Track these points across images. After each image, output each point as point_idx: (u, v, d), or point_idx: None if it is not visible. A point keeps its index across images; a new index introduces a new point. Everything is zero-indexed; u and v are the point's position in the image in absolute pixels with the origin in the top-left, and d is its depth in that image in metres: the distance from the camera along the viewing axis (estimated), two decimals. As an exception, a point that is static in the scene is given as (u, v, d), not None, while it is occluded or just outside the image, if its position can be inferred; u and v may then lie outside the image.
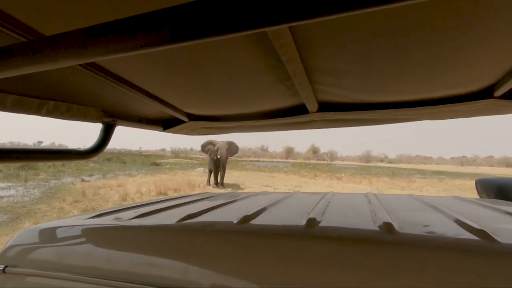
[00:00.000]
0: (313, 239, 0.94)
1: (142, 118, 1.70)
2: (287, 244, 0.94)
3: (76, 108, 1.25)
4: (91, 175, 17.26)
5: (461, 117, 1.57)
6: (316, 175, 22.22)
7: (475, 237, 0.88)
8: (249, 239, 0.99)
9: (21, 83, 1.01)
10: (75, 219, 1.35)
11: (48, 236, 1.23)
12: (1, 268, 1.13)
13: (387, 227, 0.98)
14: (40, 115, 1.13)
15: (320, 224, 1.07)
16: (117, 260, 1.04)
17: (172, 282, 0.93)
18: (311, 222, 1.08)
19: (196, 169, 22.17)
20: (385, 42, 0.80)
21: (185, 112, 1.67)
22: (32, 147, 1.28)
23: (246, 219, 1.16)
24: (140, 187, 12.82)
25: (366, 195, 1.88)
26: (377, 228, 1.00)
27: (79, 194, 10.83)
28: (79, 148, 1.41)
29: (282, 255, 0.91)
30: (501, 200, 1.82)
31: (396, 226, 0.99)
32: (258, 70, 1.02)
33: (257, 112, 1.63)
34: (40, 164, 19.16)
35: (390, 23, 0.71)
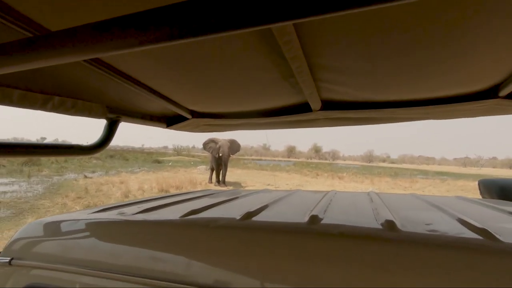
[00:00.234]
0: (315, 236, 0.94)
1: (146, 114, 1.71)
2: (289, 240, 0.94)
3: (81, 103, 1.26)
4: (93, 172, 17.34)
5: (466, 117, 1.56)
6: (318, 174, 22.18)
7: (478, 236, 0.88)
8: (252, 235, 0.99)
9: (27, 78, 1.02)
10: (80, 213, 1.36)
11: (53, 229, 1.24)
12: (7, 260, 1.15)
13: (389, 225, 0.98)
14: (45, 110, 1.14)
15: (322, 221, 1.07)
16: (121, 254, 1.05)
17: (175, 276, 0.94)
18: (314, 219, 1.08)
19: (198, 167, 22.21)
20: (390, 40, 0.80)
21: (188, 109, 1.68)
22: (36, 142, 1.30)
23: (249, 215, 1.17)
24: (142, 184, 12.87)
25: (368, 193, 1.88)
26: (379, 226, 1.00)
27: (82, 190, 10.89)
28: (83, 144, 1.42)
29: (284, 251, 0.91)
30: (504, 201, 1.82)
31: (399, 224, 1.00)
32: (262, 67, 1.02)
33: (260, 109, 1.63)
34: (43, 160, 19.27)
35: (395, 21, 0.71)
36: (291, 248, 0.91)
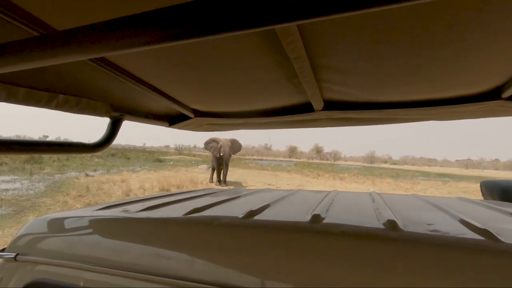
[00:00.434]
0: (317, 235, 0.95)
1: (149, 113, 1.71)
2: (291, 239, 0.95)
3: (85, 102, 1.27)
4: (95, 170, 17.38)
5: (468, 118, 1.56)
6: (319, 175, 22.16)
7: (479, 237, 0.88)
8: (254, 233, 1.00)
9: (32, 76, 1.02)
10: (83, 210, 1.37)
11: (58, 226, 1.25)
12: (13, 256, 1.17)
13: (391, 224, 0.99)
14: (50, 108, 1.15)
15: (324, 221, 1.07)
16: (125, 251, 1.06)
17: (178, 273, 0.95)
18: (316, 218, 1.09)
19: (199, 166, 22.24)
20: (393, 41, 0.80)
21: (191, 108, 1.68)
22: (39, 139, 1.31)
23: (251, 214, 1.17)
24: (143, 183, 12.90)
25: (370, 194, 1.88)
26: (381, 226, 1.00)
27: (83, 188, 10.92)
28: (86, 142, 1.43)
29: (286, 250, 0.92)
30: (506, 202, 1.82)
31: (400, 224, 1.00)
32: (265, 67, 1.03)
33: (262, 109, 1.64)
34: (45, 158, 19.33)
35: (398, 22, 0.71)
36: (293, 247, 0.92)
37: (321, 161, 59.60)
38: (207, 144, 13.86)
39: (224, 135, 16.84)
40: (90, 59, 0.93)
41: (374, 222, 1.06)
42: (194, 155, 43.83)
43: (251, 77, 1.14)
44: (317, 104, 1.39)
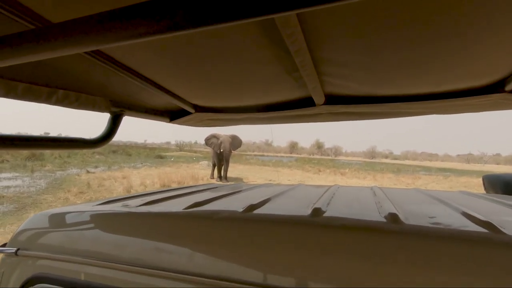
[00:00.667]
0: (318, 228, 0.95)
1: (149, 109, 1.71)
2: (292, 232, 0.94)
3: (84, 97, 1.26)
4: (96, 167, 17.42)
5: (471, 112, 1.55)
6: (320, 170, 22.18)
7: (482, 229, 0.88)
8: (254, 227, 1.00)
9: (32, 71, 1.02)
10: (84, 205, 1.37)
11: (59, 221, 1.26)
12: (14, 250, 1.17)
13: (393, 217, 0.98)
14: (50, 104, 1.15)
15: (325, 214, 1.07)
16: (125, 245, 1.06)
17: (178, 266, 0.95)
18: (316, 211, 1.09)
19: (200, 162, 22.26)
20: (395, 34, 0.79)
21: (191, 104, 1.67)
22: (40, 135, 1.31)
23: (252, 208, 1.17)
24: (144, 179, 12.93)
25: (371, 188, 1.88)
26: (382, 219, 1.00)
27: (84, 185, 10.95)
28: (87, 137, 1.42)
29: (287, 243, 0.91)
30: (508, 196, 1.81)
31: (402, 217, 1.00)
32: (266, 61, 1.02)
33: (263, 104, 1.63)
34: (47, 155, 19.38)
35: (400, 14, 0.70)
36: (293, 240, 0.92)
37: (322, 157, 59.64)
38: (207, 140, 13.85)
39: (225, 131, 16.83)
40: (89, 54, 0.92)
41: (375, 215, 1.05)
42: (195, 152, 43.89)
43: (251, 72, 1.13)
44: (318, 98, 1.38)
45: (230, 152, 13.70)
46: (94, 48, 0.51)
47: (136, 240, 1.06)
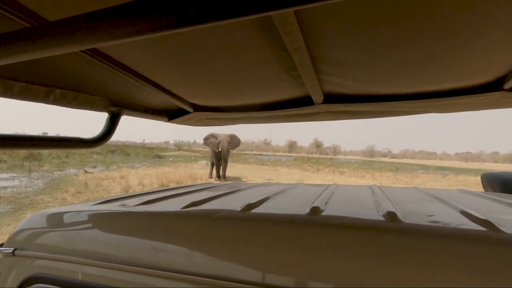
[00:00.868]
0: (316, 227, 0.94)
1: (147, 108, 1.70)
2: (290, 230, 0.94)
3: (82, 96, 1.26)
4: (94, 167, 17.36)
5: (469, 110, 1.55)
6: (318, 169, 22.21)
7: (481, 227, 0.88)
8: (253, 226, 1.00)
9: (29, 70, 1.01)
10: (82, 205, 1.37)
11: (56, 220, 1.25)
12: (11, 250, 1.17)
13: (391, 216, 0.98)
14: (47, 103, 1.14)
15: (323, 213, 1.07)
16: (123, 244, 1.06)
17: (176, 266, 0.95)
18: (315, 210, 1.08)
19: (199, 162, 22.26)
20: (393, 32, 0.79)
21: (190, 103, 1.67)
22: (38, 134, 1.31)
23: (250, 207, 1.17)
24: (142, 179, 12.92)
25: (370, 187, 1.88)
26: (380, 217, 1.00)
27: (82, 185, 10.93)
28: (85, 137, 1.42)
29: (285, 242, 0.91)
30: (507, 194, 1.81)
31: (400, 215, 1.00)
32: (264, 60, 1.02)
33: (262, 103, 1.63)
34: (45, 155, 19.31)
35: (398, 12, 0.70)
36: (292, 239, 0.91)
37: (321, 156, 59.74)
38: (206, 139, 13.85)
39: (223, 130, 16.83)
40: (87, 53, 0.91)
41: (374, 214, 1.05)
42: (194, 151, 43.86)
43: (250, 70, 1.13)
44: (317, 97, 1.38)
45: (228, 151, 13.70)
46: (91, 46, 0.51)
47: (134, 240, 1.06)
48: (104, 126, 1.46)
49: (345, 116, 1.74)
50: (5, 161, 16.39)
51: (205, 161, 21.07)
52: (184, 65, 1.09)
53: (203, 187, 1.94)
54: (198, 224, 1.05)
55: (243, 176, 15.73)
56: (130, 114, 1.59)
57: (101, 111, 1.38)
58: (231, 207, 1.19)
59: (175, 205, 1.26)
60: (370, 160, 50.24)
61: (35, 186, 10.63)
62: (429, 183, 16.41)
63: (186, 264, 0.95)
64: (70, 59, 0.99)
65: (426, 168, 30.47)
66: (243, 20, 0.42)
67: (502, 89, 1.16)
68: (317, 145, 76.93)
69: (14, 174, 12.99)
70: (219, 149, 13.29)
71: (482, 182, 2.26)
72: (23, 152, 17.41)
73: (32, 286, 1.11)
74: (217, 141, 13.32)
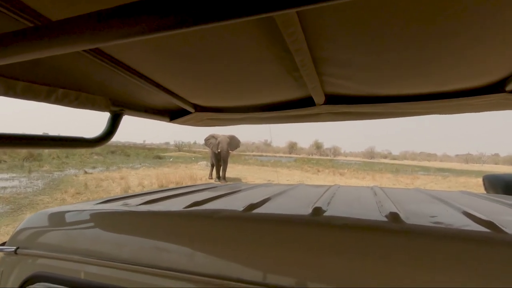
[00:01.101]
0: (318, 227, 0.94)
1: (149, 108, 1.70)
2: (292, 231, 0.94)
3: (84, 96, 1.26)
4: (94, 168, 17.34)
5: (471, 112, 1.55)
6: (319, 171, 22.18)
7: (484, 228, 0.88)
8: (254, 226, 1.00)
9: (31, 70, 1.01)
10: (84, 204, 1.37)
11: (58, 219, 1.25)
12: (13, 249, 1.17)
13: (394, 217, 0.98)
14: (49, 103, 1.14)
15: (325, 213, 1.07)
16: (125, 244, 1.06)
17: (178, 265, 0.95)
18: (317, 210, 1.08)
19: (199, 163, 22.24)
20: (395, 34, 0.79)
21: (191, 103, 1.67)
22: (39, 134, 1.31)
23: (252, 207, 1.17)
24: (142, 180, 12.92)
25: (372, 188, 1.88)
26: (383, 218, 0.99)
27: (82, 186, 10.91)
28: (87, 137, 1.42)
29: (287, 242, 0.91)
30: (509, 196, 1.81)
31: (403, 216, 0.99)
32: (266, 60, 1.02)
33: (263, 104, 1.63)
34: (45, 155, 19.31)
35: (401, 14, 0.70)
36: (294, 239, 0.91)
37: (321, 157, 59.68)
38: (207, 140, 13.86)
39: (223, 131, 16.82)
40: (89, 53, 0.91)
41: (376, 215, 1.05)
42: (194, 152, 43.83)
43: (252, 71, 1.13)
44: (318, 98, 1.38)
45: (228, 152, 13.70)
46: (93, 46, 0.51)
47: (136, 239, 1.06)
48: (106, 125, 1.46)
49: (347, 117, 1.74)
50: (5, 161, 16.39)
51: (205, 162, 21.06)
52: (186, 65, 1.09)
53: (204, 187, 1.94)
54: (200, 224, 1.05)
55: (243, 177, 15.72)
56: (132, 114, 1.59)
57: (102, 110, 1.38)
58: (233, 207, 1.19)
59: (177, 205, 1.25)
60: (370, 161, 50.22)
61: (35, 187, 10.62)
62: (429, 185, 16.38)
63: (188, 263, 0.94)
64: (72, 59, 0.99)
65: (426, 169, 30.43)
66: (245, 21, 0.42)
67: (504, 91, 1.16)
68: (317, 146, 76.94)
69: (14, 175, 12.98)
70: (219, 150, 13.29)
71: (484, 184, 2.25)
72: (23, 152, 17.41)
73: (34, 285, 1.11)
74: (217, 142, 13.32)
